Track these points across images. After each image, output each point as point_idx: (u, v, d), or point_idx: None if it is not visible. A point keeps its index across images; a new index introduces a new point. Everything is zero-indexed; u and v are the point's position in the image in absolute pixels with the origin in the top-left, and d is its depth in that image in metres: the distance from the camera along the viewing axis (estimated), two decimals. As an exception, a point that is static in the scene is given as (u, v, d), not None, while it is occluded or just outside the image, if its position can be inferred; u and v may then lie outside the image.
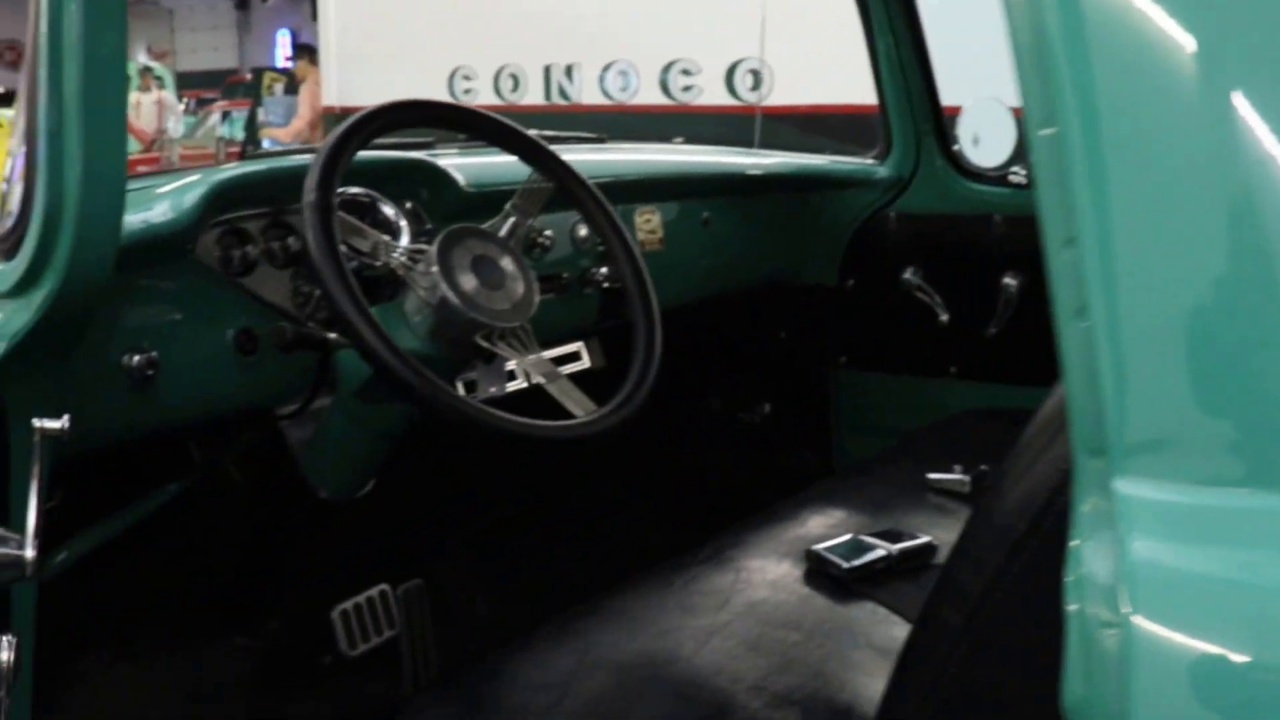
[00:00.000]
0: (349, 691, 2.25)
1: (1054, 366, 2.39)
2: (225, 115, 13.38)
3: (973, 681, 0.93)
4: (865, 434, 2.94)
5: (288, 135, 10.15)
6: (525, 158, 1.83)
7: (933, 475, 2.09)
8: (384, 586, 2.20)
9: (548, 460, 2.54)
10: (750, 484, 3.10)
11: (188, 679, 2.11)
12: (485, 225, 1.73)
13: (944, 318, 2.70)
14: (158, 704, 2.07)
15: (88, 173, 1.17)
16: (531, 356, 1.63)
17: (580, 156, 2.40)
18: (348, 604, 2.15)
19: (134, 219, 1.56)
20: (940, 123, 2.70)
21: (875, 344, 2.90)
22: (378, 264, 1.62)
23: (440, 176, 1.99)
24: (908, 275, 2.73)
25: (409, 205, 1.96)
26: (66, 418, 1.22)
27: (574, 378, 2.24)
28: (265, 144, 10.20)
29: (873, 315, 2.87)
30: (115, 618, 2.01)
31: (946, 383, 2.76)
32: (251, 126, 11.92)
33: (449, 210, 1.98)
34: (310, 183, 1.54)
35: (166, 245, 1.61)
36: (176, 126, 12.46)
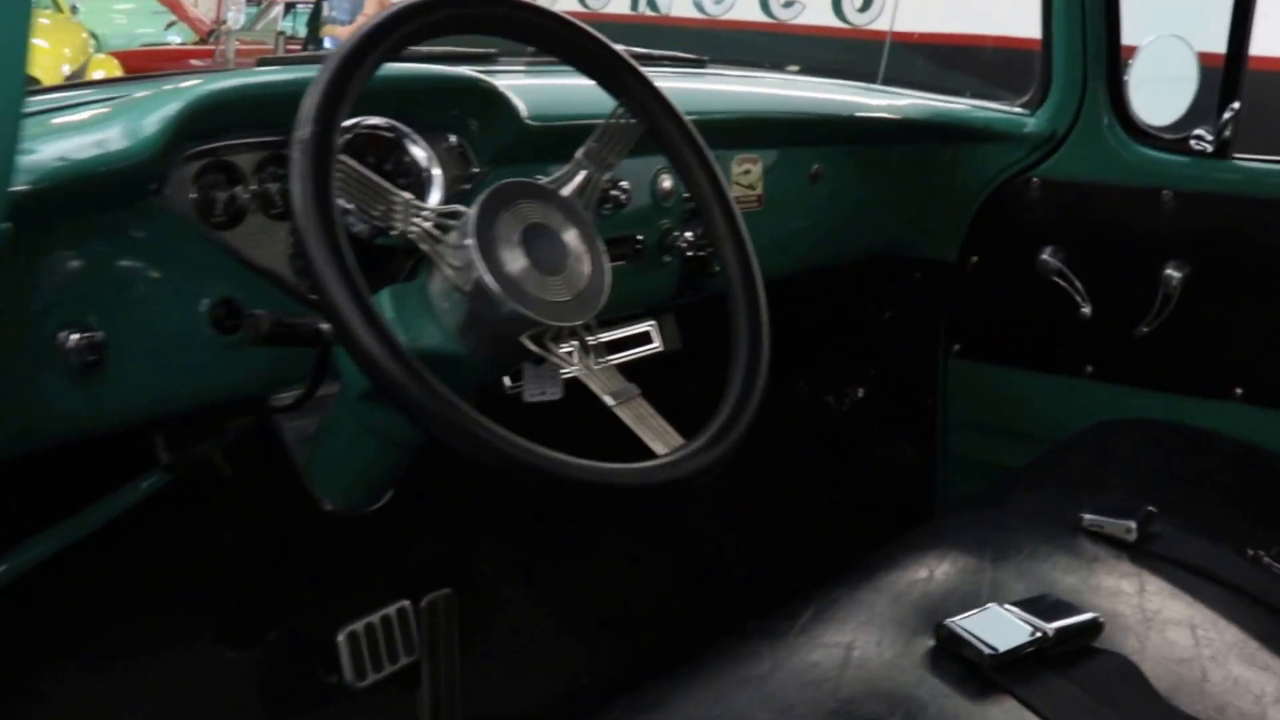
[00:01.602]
0: None
1: (1215, 374, 1.98)
2: (289, 8, 12.96)
3: None
4: (975, 432, 2.61)
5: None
6: (608, 84, 1.45)
7: (1088, 517, 1.73)
8: (403, 603, 1.87)
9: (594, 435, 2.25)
10: (842, 480, 2.81)
11: (161, 704, 1.83)
12: (547, 180, 1.37)
13: (1085, 310, 2.34)
14: None
15: None
16: (597, 367, 1.28)
17: (673, 85, 2.07)
18: (357, 625, 1.82)
19: (75, 144, 1.26)
20: (1117, 67, 2.29)
21: (996, 333, 2.54)
22: (392, 232, 1.25)
23: (495, 102, 1.63)
24: (1045, 256, 2.36)
25: (452, 141, 1.61)
26: None
27: (643, 364, 1.92)
28: (326, 43, 9.83)
29: (997, 300, 2.51)
30: (81, 633, 1.73)
31: (1079, 383, 2.41)
32: (315, 21, 11.46)
33: (504, 149, 1.64)
34: (307, 110, 1.17)
35: (120, 184, 1.27)
36: (237, 17, 12.02)
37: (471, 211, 1.24)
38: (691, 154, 1.48)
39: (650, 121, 1.45)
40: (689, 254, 1.89)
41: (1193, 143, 2.23)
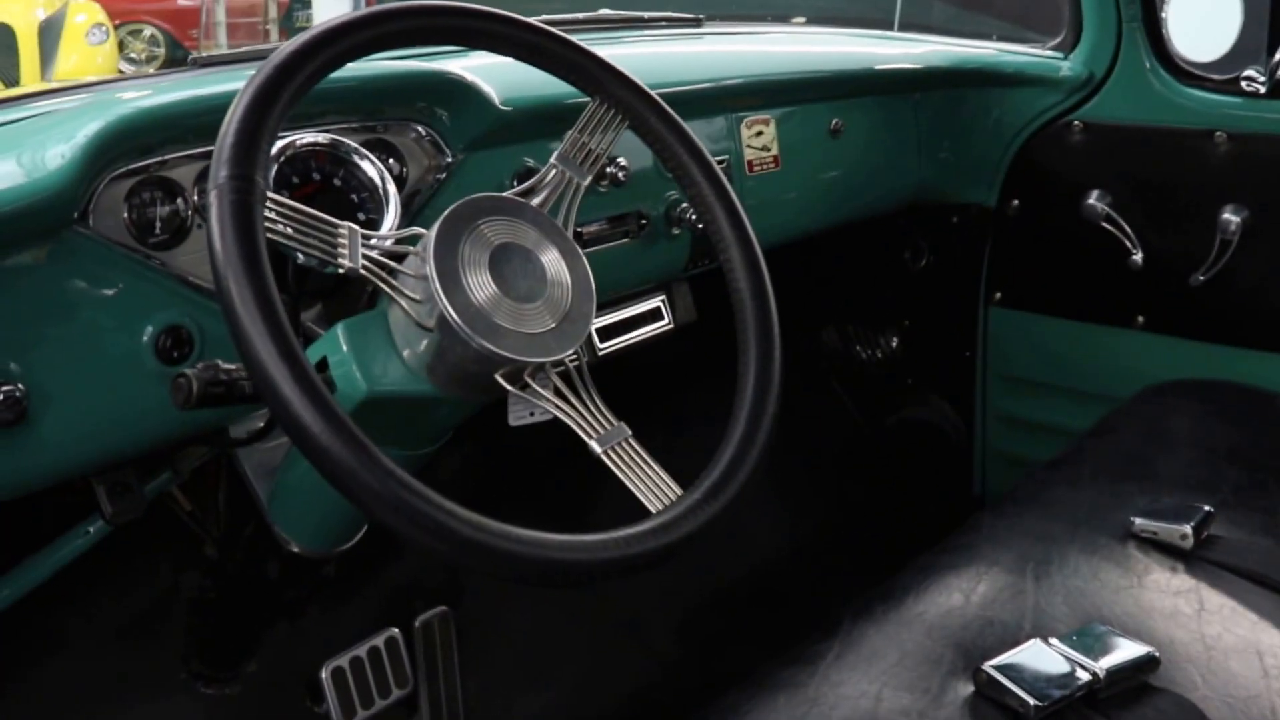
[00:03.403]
0: None
1: (1277, 325, 1.80)
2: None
3: None
4: (1017, 388, 2.52)
5: None
6: (576, 81, 1.34)
7: (1139, 521, 1.61)
8: (392, 632, 1.78)
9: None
10: (876, 437, 2.75)
11: None
12: (518, 189, 1.26)
13: (1136, 257, 2.22)
14: None
15: None
16: (583, 408, 1.16)
17: (669, 49, 1.93)
18: (342, 659, 1.72)
19: None
20: (1152, 5, 2.17)
21: (1041, 281, 2.44)
22: (340, 269, 1.12)
23: (464, 92, 1.52)
24: (1091, 201, 2.25)
25: (421, 132, 1.51)
26: None
27: (652, 345, 1.82)
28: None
29: (1041, 246, 2.40)
30: (45, 684, 1.69)
31: (1129, 335, 2.31)
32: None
33: (478, 137, 1.54)
34: (224, 149, 1.05)
35: (29, 221, 1.16)
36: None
37: (430, 234, 1.14)
38: (684, 150, 1.36)
39: (631, 115, 1.33)
40: (700, 224, 1.79)
41: (1244, 84, 2.10)
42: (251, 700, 1.82)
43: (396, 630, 1.77)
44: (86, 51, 7.13)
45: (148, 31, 9.52)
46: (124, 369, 1.25)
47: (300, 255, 1.19)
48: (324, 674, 1.69)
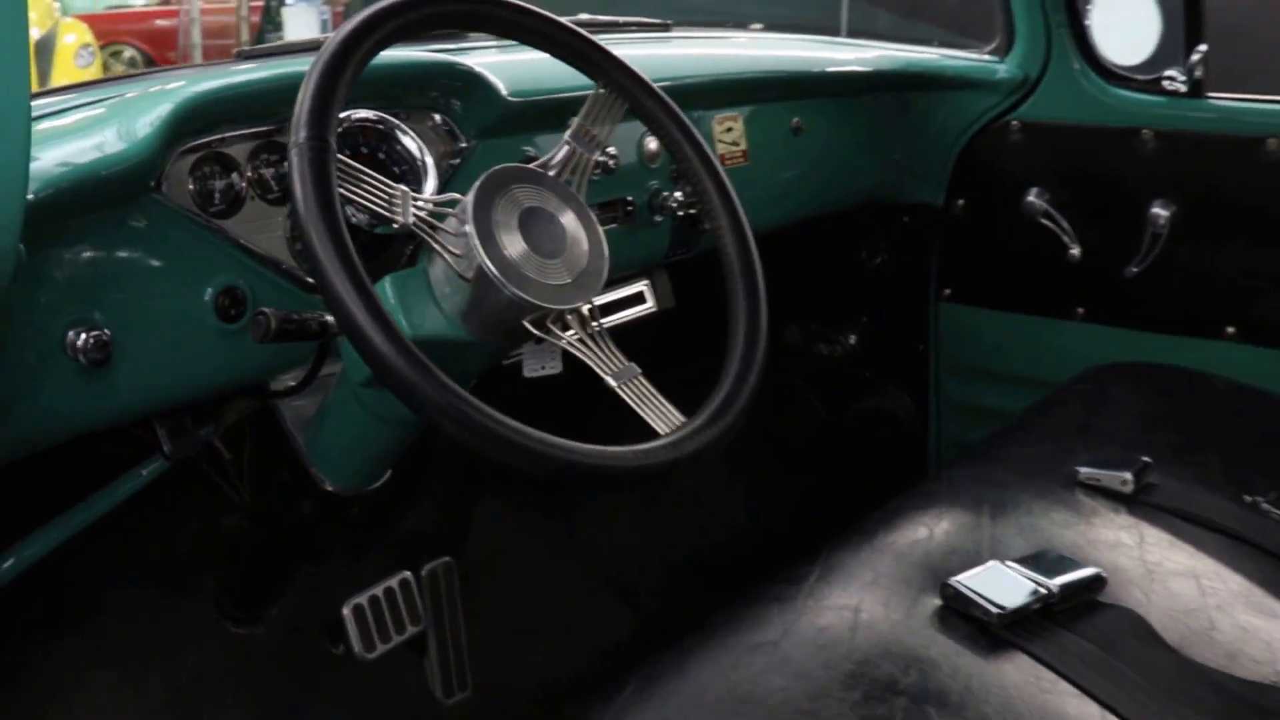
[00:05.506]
0: (366, 699, 1.96)
1: (1207, 314, 1.95)
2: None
3: None
4: (967, 377, 2.62)
5: None
6: (587, 70, 1.45)
7: (1084, 470, 1.72)
8: (404, 574, 1.88)
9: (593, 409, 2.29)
10: (838, 427, 2.83)
11: (170, 682, 1.87)
12: (538, 161, 1.38)
13: (1074, 251, 2.33)
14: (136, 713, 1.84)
15: None
16: (598, 347, 1.28)
17: (642, 51, 2.04)
18: (361, 598, 1.83)
19: (74, 149, 1.28)
20: (1076, 11, 2.28)
21: (986, 276, 2.54)
22: (394, 224, 1.25)
23: (474, 82, 1.64)
24: (1031, 198, 2.36)
25: (437, 119, 1.63)
26: None
27: (636, 325, 1.93)
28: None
29: (985, 243, 2.50)
30: (88, 619, 1.79)
31: (1070, 326, 2.41)
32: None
33: (488, 125, 1.65)
34: (302, 114, 1.18)
35: (118, 185, 1.28)
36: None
37: (468, 198, 1.25)
38: (678, 130, 1.48)
39: (632, 101, 1.45)
40: (680, 213, 1.91)
41: (1165, 83, 2.21)
42: (275, 642, 1.93)
43: (409, 573, 1.88)
44: (74, 75, 7.17)
45: (128, 53, 9.56)
46: (189, 323, 1.37)
47: (353, 213, 1.33)
48: (346, 610, 1.80)
